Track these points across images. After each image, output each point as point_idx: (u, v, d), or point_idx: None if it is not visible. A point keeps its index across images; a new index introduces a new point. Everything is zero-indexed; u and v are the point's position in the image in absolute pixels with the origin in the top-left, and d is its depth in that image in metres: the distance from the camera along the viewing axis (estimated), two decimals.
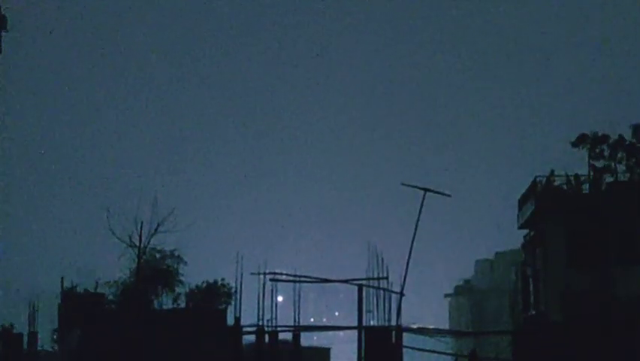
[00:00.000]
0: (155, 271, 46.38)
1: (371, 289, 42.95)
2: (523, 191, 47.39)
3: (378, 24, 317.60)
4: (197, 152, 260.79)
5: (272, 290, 45.60)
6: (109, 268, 47.62)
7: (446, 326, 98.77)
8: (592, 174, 45.18)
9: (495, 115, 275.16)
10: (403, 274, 41.73)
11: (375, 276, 42.83)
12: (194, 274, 47.51)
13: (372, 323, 42.60)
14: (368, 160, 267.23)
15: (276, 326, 45.83)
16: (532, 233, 48.09)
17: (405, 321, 42.90)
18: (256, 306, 44.92)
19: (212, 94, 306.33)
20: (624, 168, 45.26)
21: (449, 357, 47.99)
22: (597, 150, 45.48)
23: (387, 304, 42.62)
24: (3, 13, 50.30)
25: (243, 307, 44.58)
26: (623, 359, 40.95)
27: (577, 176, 45.04)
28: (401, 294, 41.88)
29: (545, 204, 44.34)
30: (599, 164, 45.32)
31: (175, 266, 47.04)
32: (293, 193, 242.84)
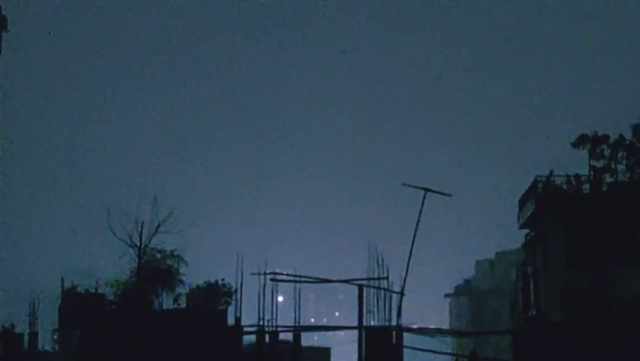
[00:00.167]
0: (155, 271, 46.40)
1: (371, 289, 42.94)
2: (523, 191, 47.43)
3: (377, 24, 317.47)
4: (197, 152, 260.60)
5: (272, 290, 45.56)
6: (109, 268, 47.69)
7: (446, 326, 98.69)
8: (592, 174, 45.20)
9: (495, 115, 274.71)
10: (404, 274, 41.80)
11: (376, 276, 42.82)
12: (194, 274, 47.55)
13: (372, 323, 42.58)
14: (368, 160, 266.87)
15: (277, 326, 45.80)
16: (532, 233, 48.11)
17: (405, 321, 42.94)
18: (256, 306, 44.89)
19: (213, 94, 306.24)
20: (624, 168, 45.30)
21: (449, 357, 48.14)
22: (597, 150, 45.52)
23: (387, 305, 42.62)
24: (3, 13, 50.35)
25: (243, 307, 44.61)
26: (623, 359, 40.98)
27: (577, 176, 45.08)
28: (401, 294, 41.92)
29: (546, 205, 44.38)
30: (599, 164, 45.34)
31: (175, 266, 47.08)
32: (293, 193, 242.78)
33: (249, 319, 45.18)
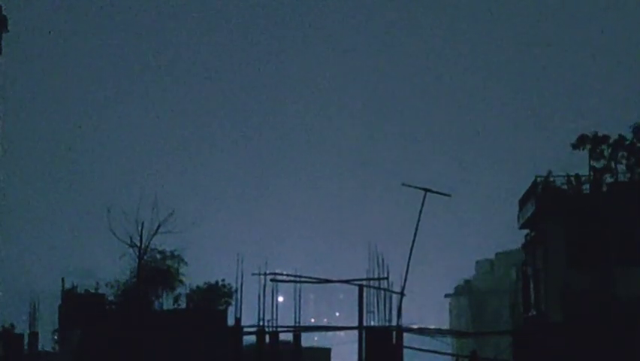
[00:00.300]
0: (155, 271, 46.39)
1: (371, 290, 42.92)
2: (523, 191, 47.43)
3: (377, 24, 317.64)
4: (197, 152, 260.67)
5: (272, 291, 45.57)
6: (109, 268, 47.70)
7: (446, 326, 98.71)
8: (592, 174, 45.21)
9: (495, 115, 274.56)
10: (404, 274, 41.79)
11: (376, 276, 42.80)
12: (194, 275, 47.55)
13: (372, 323, 42.58)
14: (368, 160, 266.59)
15: (277, 327, 45.80)
16: (532, 233, 48.11)
17: (405, 321, 42.92)
18: (257, 306, 44.88)
19: (213, 94, 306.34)
20: (624, 168, 45.30)
21: (449, 357, 48.11)
22: (597, 150, 45.52)
23: (387, 305, 42.61)
24: (3, 13, 50.39)
25: (243, 307, 44.60)
26: (623, 359, 40.99)
27: (577, 176, 45.09)
28: (402, 294, 41.91)
29: (546, 205, 44.38)
30: (599, 164, 45.35)
31: (176, 267, 47.06)
32: (293, 193, 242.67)
33: (249, 319, 45.21)
